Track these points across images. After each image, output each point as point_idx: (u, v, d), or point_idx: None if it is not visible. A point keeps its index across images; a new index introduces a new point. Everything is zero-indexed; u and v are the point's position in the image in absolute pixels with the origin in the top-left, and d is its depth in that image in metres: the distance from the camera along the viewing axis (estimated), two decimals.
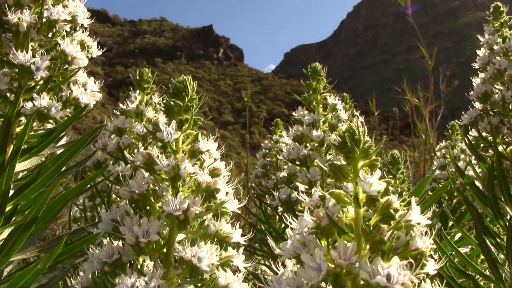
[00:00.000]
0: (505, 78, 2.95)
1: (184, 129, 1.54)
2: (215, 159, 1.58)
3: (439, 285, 1.26)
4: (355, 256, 1.16)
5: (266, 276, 1.27)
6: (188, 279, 1.43)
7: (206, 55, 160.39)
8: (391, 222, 1.23)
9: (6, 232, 1.90)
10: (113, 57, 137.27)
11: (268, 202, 3.61)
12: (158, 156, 1.49)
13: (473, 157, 3.20)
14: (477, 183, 2.99)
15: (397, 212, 1.23)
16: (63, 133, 2.14)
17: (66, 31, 2.27)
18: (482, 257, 3.04)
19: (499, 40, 3.04)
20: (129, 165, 2.78)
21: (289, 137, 3.26)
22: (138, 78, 2.99)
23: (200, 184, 1.49)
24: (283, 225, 3.61)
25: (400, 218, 1.23)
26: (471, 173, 3.73)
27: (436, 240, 2.39)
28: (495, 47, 3.02)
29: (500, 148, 2.92)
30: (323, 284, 1.19)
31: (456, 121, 3.86)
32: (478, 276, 2.57)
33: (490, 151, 3.01)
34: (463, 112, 3.17)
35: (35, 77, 2.06)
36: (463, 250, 2.93)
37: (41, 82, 2.11)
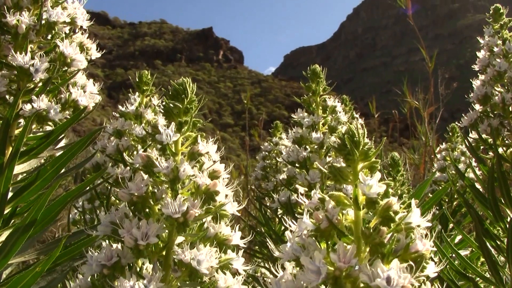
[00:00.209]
0: (505, 80, 2.94)
1: (184, 131, 1.54)
2: (214, 161, 1.58)
3: None
4: (354, 259, 1.15)
5: (265, 279, 1.27)
6: (187, 282, 1.43)
7: (206, 57, 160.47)
8: (391, 224, 1.22)
9: (5, 235, 1.89)
10: (113, 59, 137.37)
11: (268, 204, 3.61)
12: (157, 158, 1.49)
13: (473, 159, 3.20)
14: (477, 185, 2.99)
15: (397, 215, 1.23)
16: (62, 135, 2.13)
17: (65, 33, 2.26)
18: (482, 259, 3.03)
19: (499, 42, 3.04)
20: (128, 168, 2.78)
21: (288, 139, 3.26)
22: (137, 80, 2.98)
23: (199, 186, 1.48)
24: (282, 227, 3.60)
25: (400, 220, 1.23)
26: (471, 175, 3.72)
27: (437, 243, 2.39)
28: (495, 49, 3.01)
29: (500, 150, 2.92)
30: (323, 287, 1.19)
31: (456, 123, 3.86)
32: (478, 279, 2.56)
33: (490, 153, 3.01)
34: (463, 114, 3.17)
35: (34, 79, 2.05)
36: (463, 252, 2.92)
37: (40, 84, 2.10)
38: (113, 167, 2.86)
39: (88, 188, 2.26)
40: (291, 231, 1.32)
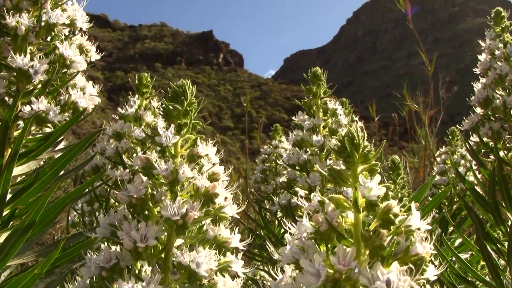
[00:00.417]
0: (506, 84, 2.94)
1: (183, 134, 1.53)
2: (214, 164, 1.57)
3: None
4: (354, 261, 1.15)
5: (265, 282, 1.26)
6: (186, 285, 1.42)
7: (206, 60, 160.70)
8: (391, 227, 1.22)
9: (4, 236, 1.89)
10: (113, 62, 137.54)
11: (267, 207, 3.60)
12: (156, 160, 1.48)
13: (474, 162, 3.19)
14: (478, 189, 2.98)
15: (397, 217, 1.22)
16: (61, 137, 2.13)
17: (64, 34, 2.26)
18: (482, 263, 3.02)
19: (501, 45, 3.03)
20: (127, 170, 2.77)
21: (289, 142, 3.25)
22: (137, 82, 2.98)
23: (198, 188, 1.47)
24: (282, 230, 3.60)
25: (400, 223, 1.22)
26: (471, 178, 3.72)
27: (437, 246, 2.38)
28: (497, 52, 3.01)
29: (501, 153, 2.91)
30: None
31: (457, 126, 3.85)
32: (478, 282, 2.55)
33: (491, 156, 3.00)
34: (464, 118, 3.16)
35: (33, 80, 2.05)
36: (463, 255, 2.92)
37: (39, 85, 2.10)
38: (113, 170, 2.86)
39: (87, 190, 2.25)
40: (290, 233, 1.31)
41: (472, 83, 3.14)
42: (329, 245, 1.25)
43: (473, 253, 2.87)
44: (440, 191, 3.85)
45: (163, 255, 1.45)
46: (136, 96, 2.99)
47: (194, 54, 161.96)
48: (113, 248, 1.45)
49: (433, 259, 1.26)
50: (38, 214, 1.73)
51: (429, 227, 1.26)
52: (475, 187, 3.02)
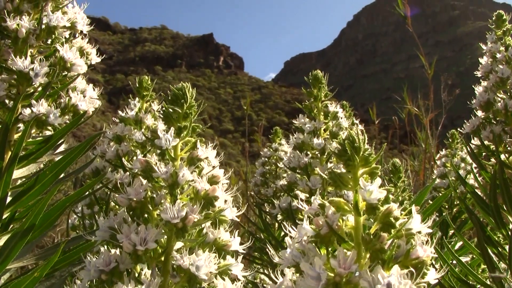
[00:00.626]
0: (508, 87, 2.94)
1: (183, 136, 1.53)
2: (214, 167, 1.57)
3: None
4: (355, 265, 1.15)
5: (265, 285, 1.26)
6: None
7: (206, 63, 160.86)
8: (392, 230, 1.21)
9: (3, 239, 1.88)
10: (114, 65, 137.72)
11: (268, 210, 3.60)
12: (156, 163, 1.48)
13: (474, 165, 3.19)
14: (478, 192, 2.97)
15: (398, 221, 1.22)
16: (62, 140, 2.13)
17: (65, 37, 2.26)
18: (483, 266, 3.02)
19: (502, 48, 3.03)
20: (128, 173, 2.77)
21: (289, 145, 3.25)
22: (137, 85, 2.98)
23: (198, 191, 1.47)
24: (282, 233, 3.59)
25: (401, 226, 1.22)
26: (471, 181, 3.71)
27: (437, 249, 2.38)
28: (498, 55, 3.01)
29: (502, 157, 2.91)
30: None
31: (458, 129, 3.85)
32: (479, 286, 2.55)
33: (492, 160, 2.99)
34: (465, 121, 3.16)
35: (33, 83, 2.05)
36: (464, 259, 2.91)
37: (40, 88, 2.10)
38: (113, 172, 2.85)
39: (87, 193, 2.25)
40: (291, 237, 1.31)
41: (472, 86, 3.14)
42: (329, 249, 1.24)
43: (474, 256, 2.87)
44: (440, 194, 3.84)
45: (162, 258, 1.44)
46: (137, 99, 2.99)
47: (194, 57, 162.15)
48: (112, 251, 1.45)
49: (433, 262, 1.26)
50: (38, 217, 1.72)
51: (430, 230, 1.25)
52: (476, 190, 3.02)
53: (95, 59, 2.44)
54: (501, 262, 2.64)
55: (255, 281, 3.71)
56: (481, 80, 3.13)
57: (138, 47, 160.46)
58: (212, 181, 1.54)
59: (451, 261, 2.64)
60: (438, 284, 2.45)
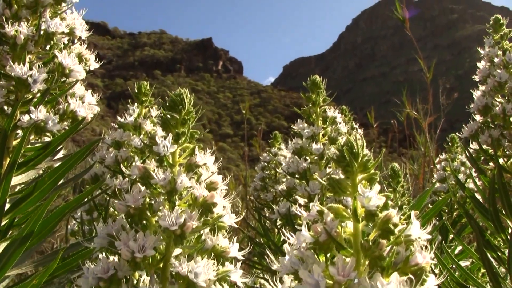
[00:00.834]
0: (506, 91, 2.94)
1: (181, 143, 1.53)
2: (212, 173, 1.56)
3: None
4: (354, 272, 1.14)
5: None
6: None
7: (206, 67, 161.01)
8: (391, 237, 1.21)
9: (2, 246, 1.88)
10: (113, 70, 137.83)
11: (267, 215, 3.59)
12: (154, 170, 1.47)
13: (473, 169, 3.19)
14: (478, 196, 2.97)
15: (397, 227, 1.21)
16: (61, 146, 2.13)
17: (64, 43, 2.26)
18: (483, 270, 3.01)
19: (500, 52, 3.03)
20: (127, 179, 2.77)
21: (288, 150, 3.24)
22: (136, 91, 2.97)
23: (197, 198, 1.47)
24: (282, 238, 3.58)
25: (400, 233, 1.21)
26: (471, 185, 3.71)
27: (437, 254, 2.37)
28: (496, 60, 3.01)
29: (501, 161, 2.91)
30: None
31: (456, 133, 3.85)
32: None
33: (491, 164, 2.99)
34: (463, 125, 3.16)
35: (32, 89, 2.04)
36: (463, 263, 2.91)
37: (38, 95, 2.10)
38: (112, 178, 2.85)
39: (86, 199, 2.25)
40: (289, 243, 1.30)
41: (471, 90, 3.14)
42: (328, 255, 1.24)
43: (474, 260, 2.86)
44: (440, 198, 3.84)
45: (161, 265, 1.44)
46: (136, 104, 2.99)
47: (193, 61, 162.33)
48: (111, 258, 1.44)
49: (433, 267, 1.25)
50: (36, 224, 1.72)
51: (429, 236, 1.25)
52: (475, 194, 3.02)
53: (93, 65, 2.43)
54: (500, 266, 2.64)
55: (255, 286, 3.70)
56: (479, 85, 3.13)
57: (137, 52, 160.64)
58: (211, 187, 1.54)
59: (450, 266, 2.63)
60: None
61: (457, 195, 3.91)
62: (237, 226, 1.58)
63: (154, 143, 1.49)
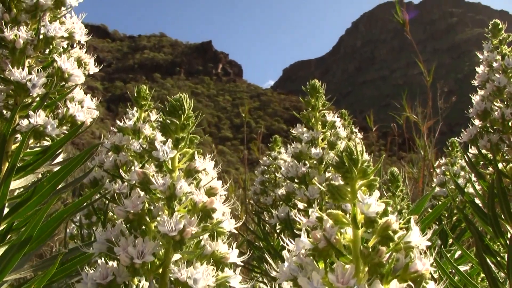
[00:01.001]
0: (505, 96, 2.93)
1: (180, 148, 1.52)
2: (212, 178, 1.56)
3: None
4: (353, 279, 1.14)
5: None
6: None
7: (205, 70, 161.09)
8: (390, 243, 1.20)
9: (1, 251, 1.87)
10: (112, 72, 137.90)
11: (267, 219, 3.59)
12: (153, 175, 1.47)
13: (473, 174, 3.18)
14: (477, 201, 2.97)
15: (396, 234, 1.21)
16: (60, 150, 2.12)
17: (63, 47, 2.26)
18: (482, 275, 3.01)
19: (498, 57, 3.03)
20: (126, 183, 2.76)
21: (288, 154, 3.24)
22: (135, 95, 2.97)
23: (196, 203, 1.46)
24: (281, 243, 3.58)
25: (400, 239, 1.21)
26: (470, 190, 3.71)
27: (436, 259, 2.37)
28: (494, 64, 3.01)
29: (500, 165, 2.90)
30: None
31: (456, 139, 3.85)
32: None
33: (490, 168, 2.99)
34: (462, 129, 3.16)
35: (31, 94, 2.04)
36: (463, 268, 2.90)
37: (37, 99, 2.09)
38: (111, 183, 2.84)
39: (85, 204, 2.24)
40: (288, 250, 1.30)
41: (470, 94, 3.14)
42: (328, 261, 1.24)
43: (473, 265, 2.86)
44: (440, 202, 3.84)
45: (160, 271, 1.44)
46: (135, 108, 2.98)
47: (193, 64, 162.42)
48: (110, 263, 1.44)
49: (432, 272, 1.25)
50: (35, 229, 1.71)
51: (429, 243, 1.24)
52: (475, 199, 3.01)
53: (93, 69, 2.43)
54: (500, 271, 2.63)
55: None
56: (478, 89, 3.13)
57: (137, 55, 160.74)
58: (210, 192, 1.53)
59: (450, 270, 2.63)
60: None
61: (457, 199, 3.91)
62: (236, 232, 1.58)
63: (154, 148, 1.49)
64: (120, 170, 2.76)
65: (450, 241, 3.72)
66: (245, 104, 9.32)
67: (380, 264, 1.17)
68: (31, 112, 2.05)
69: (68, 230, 3.30)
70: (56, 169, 2.04)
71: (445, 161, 4.47)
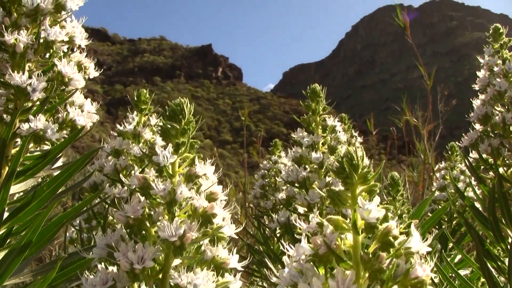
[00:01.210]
0: (506, 100, 2.94)
1: (181, 153, 1.52)
2: (212, 183, 1.56)
3: None
4: (353, 285, 1.13)
5: None
6: None
7: (205, 74, 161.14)
8: (391, 249, 1.20)
9: (1, 255, 1.87)
10: (112, 76, 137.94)
11: (267, 223, 3.58)
12: (154, 180, 1.47)
13: (473, 178, 3.18)
14: (477, 205, 2.97)
15: (397, 239, 1.21)
16: (60, 154, 2.12)
17: (63, 52, 2.26)
18: (482, 280, 3.00)
19: (499, 61, 3.03)
20: (126, 188, 2.76)
21: (288, 158, 3.23)
22: (135, 99, 2.97)
23: (196, 209, 1.46)
24: (281, 247, 3.57)
25: (400, 245, 1.20)
26: (471, 194, 3.70)
27: (437, 264, 2.36)
28: (495, 69, 3.01)
29: (501, 170, 2.90)
30: None
31: (457, 143, 3.85)
32: None
33: (491, 173, 2.99)
34: (463, 133, 3.16)
35: (31, 98, 2.04)
36: (463, 272, 2.90)
37: (38, 103, 2.09)
38: (111, 187, 2.84)
39: (85, 208, 2.24)
40: (288, 255, 1.29)
41: (470, 97, 3.14)
42: (328, 267, 1.23)
43: (473, 270, 2.85)
44: (440, 207, 3.83)
45: (160, 276, 1.43)
46: (135, 112, 2.98)
47: (193, 68, 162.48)
48: (109, 269, 1.43)
49: (433, 276, 1.24)
50: (35, 233, 1.71)
51: (429, 249, 1.24)
52: (475, 203, 3.01)
53: (93, 73, 2.43)
54: (500, 276, 2.63)
55: None
56: (478, 93, 3.13)
57: (137, 58, 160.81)
58: (210, 198, 1.53)
59: (450, 275, 2.63)
60: None
61: (457, 204, 3.91)
62: (236, 237, 1.57)
63: (154, 153, 1.49)
64: (120, 175, 2.76)
65: (450, 245, 3.71)
66: (245, 108, 9.31)
67: (381, 270, 1.17)
68: (31, 117, 2.05)
69: (67, 234, 3.30)
70: (56, 173, 2.04)
71: (444, 165, 4.46)
